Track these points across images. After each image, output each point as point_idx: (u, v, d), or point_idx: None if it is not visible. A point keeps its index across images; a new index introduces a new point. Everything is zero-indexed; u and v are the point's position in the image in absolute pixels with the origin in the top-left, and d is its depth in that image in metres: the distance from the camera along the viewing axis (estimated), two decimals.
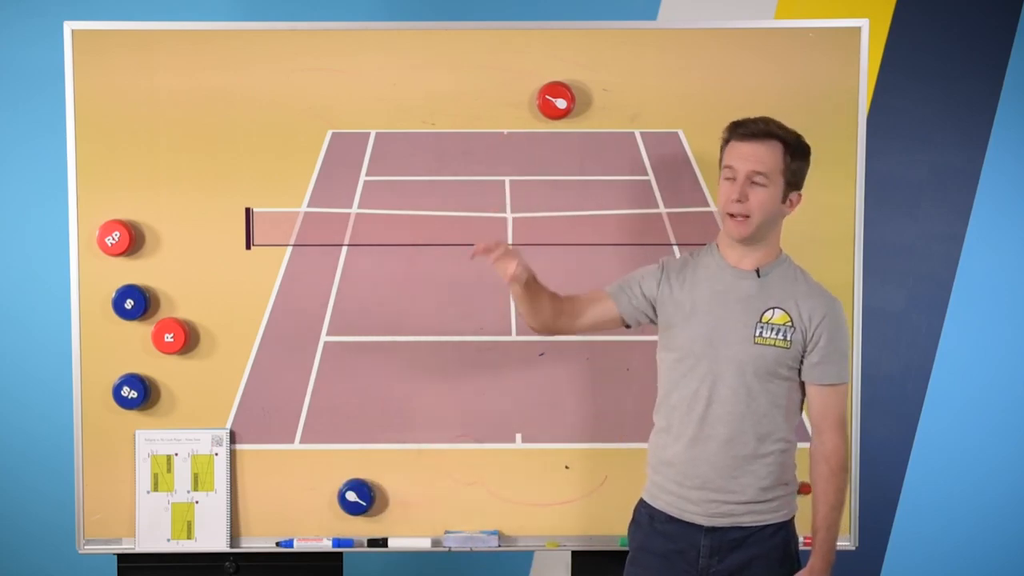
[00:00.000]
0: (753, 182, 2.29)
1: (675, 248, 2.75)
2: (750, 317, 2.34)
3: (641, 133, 2.74)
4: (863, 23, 2.73)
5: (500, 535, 2.79)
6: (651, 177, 2.76)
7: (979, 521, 3.46)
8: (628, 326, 2.47)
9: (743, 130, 2.32)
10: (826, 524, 2.36)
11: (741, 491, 2.35)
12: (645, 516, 2.44)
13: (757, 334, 2.33)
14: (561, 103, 2.70)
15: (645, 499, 2.45)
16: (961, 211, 3.39)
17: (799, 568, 2.39)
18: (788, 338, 2.33)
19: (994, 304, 3.42)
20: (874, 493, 3.17)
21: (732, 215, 2.31)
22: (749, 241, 2.34)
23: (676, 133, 2.74)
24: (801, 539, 2.76)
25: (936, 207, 3.39)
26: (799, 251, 2.72)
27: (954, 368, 3.42)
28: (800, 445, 2.79)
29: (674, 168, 2.74)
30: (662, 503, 2.41)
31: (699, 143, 2.73)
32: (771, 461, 2.36)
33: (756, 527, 2.36)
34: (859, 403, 2.77)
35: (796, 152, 2.33)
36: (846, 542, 2.80)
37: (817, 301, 2.35)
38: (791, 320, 2.33)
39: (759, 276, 2.36)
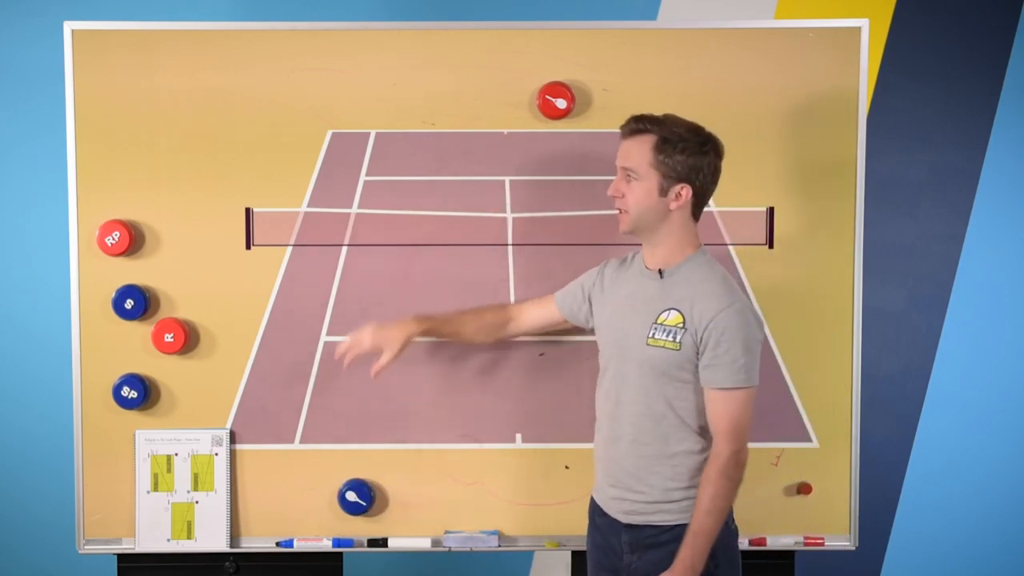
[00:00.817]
0: (626, 178, 2.34)
1: None
2: (648, 318, 2.35)
3: None
4: (863, 23, 2.73)
5: (500, 535, 2.79)
6: None
7: (979, 521, 3.46)
8: (579, 326, 2.58)
9: (621, 130, 2.37)
10: (693, 528, 2.29)
11: (648, 491, 2.37)
12: (590, 508, 2.54)
13: (650, 335, 2.33)
14: (561, 103, 2.70)
15: (592, 492, 2.54)
16: (961, 211, 3.39)
17: (714, 572, 2.32)
18: (678, 340, 2.30)
19: (994, 304, 3.42)
20: (874, 493, 3.18)
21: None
22: (640, 237, 2.38)
23: None
24: (801, 539, 2.77)
25: (936, 207, 3.39)
26: (800, 251, 2.73)
27: (954, 368, 3.42)
28: (791, 445, 2.80)
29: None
30: (597, 497, 2.50)
31: None
32: (678, 463, 2.35)
33: (668, 526, 2.35)
34: (859, 403, 2.77)
35: (673, 145, 2.30)
36: (846, 542, 2.80)
37: (711, 303, 2.29)
38: (684, 322, 2.30)
39: (661, 277, 2.37)
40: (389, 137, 2.75)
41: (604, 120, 2.73)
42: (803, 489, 2.78)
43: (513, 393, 2.77)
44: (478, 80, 2.73)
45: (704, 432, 2.35)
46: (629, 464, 2.39)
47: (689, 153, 2.30)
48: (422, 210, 2.75)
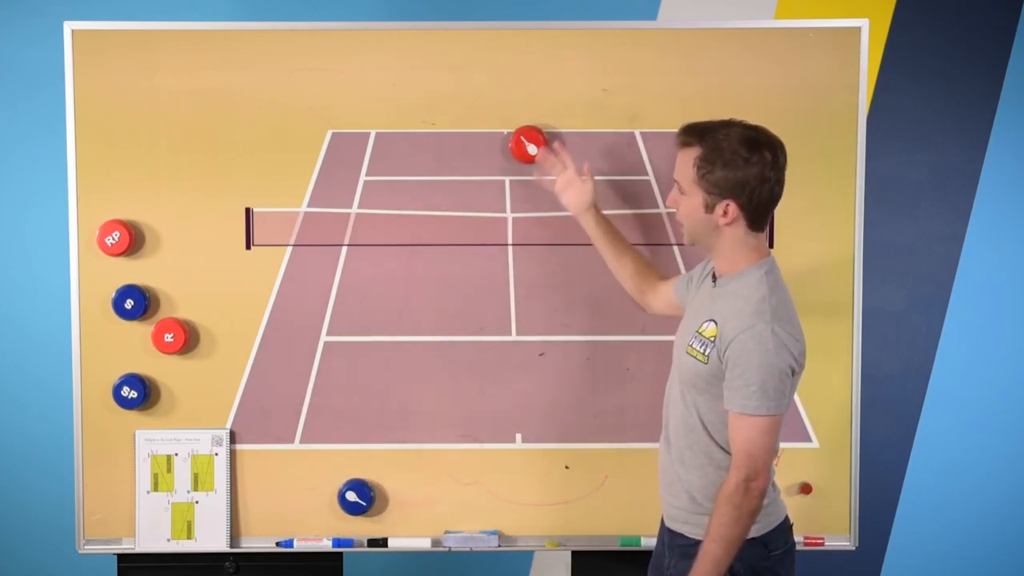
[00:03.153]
0: (679, 190, 2.30)
1: (675, 248, 2.75)
2: (694, 324, 2.31)
3: (641, 133, 2.74)
4: (863, 23, 2.73)
5: (500, 535, 2.79)
6: (651, 177, 2.75)
7: (979, 521, 3.46)
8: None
9: (676, 138, 2.31)
10: (701, 551, 2.22)
11: (680, 498, 2.36)
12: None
13: (689, 343, 2.30)
14: (533, 149, 2.69)
15: None
16: (961, 211, 3.39)
17: None
18: (707, 353, 2.24)
19: (994, 304, 3.42)
20: (874, 493, 3.18)
21: None
22: (704, 248, 2.33)
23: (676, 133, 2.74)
24: (801, 539, 2.77)
25: (936, 207, 3.39)
26: (799, 251, 2.73)
27: (954, 368, 3.42)
28: (791, 446, 2.80)
29: (674, 168, 2.74)
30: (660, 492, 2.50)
31: None
32: (701, 475, 2.31)
33: (694, 539, 2.31)
34: (859, 403, 2.77)
35: (712, 160, 2.20)
36: (846, 542, 2.80)
37: (736, 322, 2.20)
38: (716, 336, 2.24)
39: (714, 286, 2.32)
40: (389, 137, 2.75)
41: (604, 120, 2.73)
42: (803, 489, 2.78)
43: (513, 393, 2.77)
44: (478, 80, 2.73)
45: (727, 448, 2.29)
46: (669, 468, 2.38)
47: (732, 168, 2.19)
48: (422, 210, 2.75)
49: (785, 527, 2.37)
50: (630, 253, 2.63)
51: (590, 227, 2.62)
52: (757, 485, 2.19)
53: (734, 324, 2.21)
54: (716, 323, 2.25)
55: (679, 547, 2.36)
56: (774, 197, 2.25)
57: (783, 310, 2.24)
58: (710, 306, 2.30)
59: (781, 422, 2.23)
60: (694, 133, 2.25)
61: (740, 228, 2.25)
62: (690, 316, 2.38)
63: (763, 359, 2.17)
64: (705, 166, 2.22)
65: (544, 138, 2.69)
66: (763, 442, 2.19)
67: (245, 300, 2.75)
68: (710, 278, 2.37)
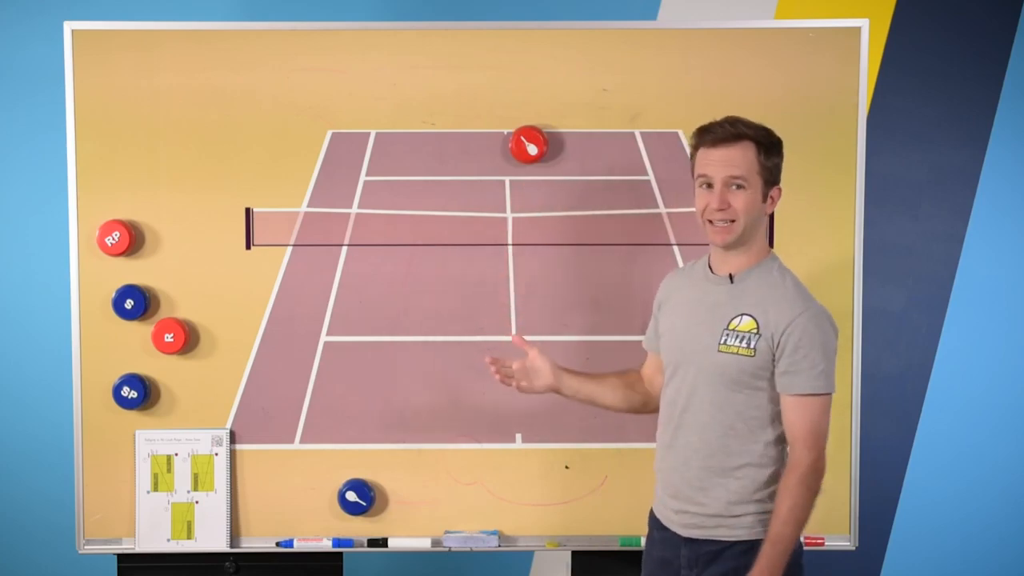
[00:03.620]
0: (733, 187, 2.25)
1: (675, 248, 2.76)
2: (717, 324, 2.27)
3: (641, 133, 2.74)
4: (863, 23, 2.73)
5: (500, 535, 2.79)
6: (651, 177, 2.76)
7: (979, 521, 3.46)
8: None
9: (712, 136, 2.26)
10: (771, 537, 2.20)
11: (710, 504, 2.29)
12: (649, 521, 2.46)
13: (722, 342, 2.26)
14: (533, 149, 2.69)
15: (652, 505, 2.46)
16: (961, 211, 3.39)
17: None
18: (752, 346, 2.23)
19: (994, 304, 3.42)
20: (874, 493, 3.17)
21: (712, 222, 2.26)
22: (734, 246, 2.28)
23: (676, 133, 2.74)
24: (802, 539, 2.77)
25: (936, 207, 3.39)
26: (800, 251, 2.73)
27: (954, 368, 3.42)
28: None
29: (674, 168, 2.74)
30: (656, 510, 2.42)
31: None
32: (742, 475, 2.27)
33: (729, 542, 2.27)
34: (859, 403, 2.77)
35: (770, 149, 2.26)
36: (846, 542, 2.80)
37: (787, 306, 2.22)
38: (758, 327, 2.23)
39: (732, 282, 2.30)
40: (389, 137, 2.75)
41: (604, 120, 2.73)
42: None
43: (513, 393, 2.76)
44: (478, 80, 2.73)
45: (771, 446, 2.27)
46: (692, 475, 2.30)
47: (779, 156, 2.29)
48: (422, 210, 2.75)
49: None
50: (608, 380, 2.54)
51: (571, 389, 2.51)
52: (822, 465, 2.23)
53: (783, 310, 2.22)
54: (752, 316, 2.25)
55: (706, 554, 2.29)
56: None
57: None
58: (734, 302, 2.27)
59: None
60: (743, 125, 2.26)
61: (766, 217, 2.32)
62: (694, 319, 2.33)
63: (825, 339, 2.22)
64: (770, 154, 2.27)
65: (544, 138, 2.69)
66: (827, 421, 2.24)
67: (245, 300, 2.75)
68: (708, 278, 2.33)
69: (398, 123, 2.74)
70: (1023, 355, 3.43)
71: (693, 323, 2.32)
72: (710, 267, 2.35)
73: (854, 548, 2.81)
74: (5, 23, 3.32)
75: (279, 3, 3.33)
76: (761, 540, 2.24)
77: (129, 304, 2.71)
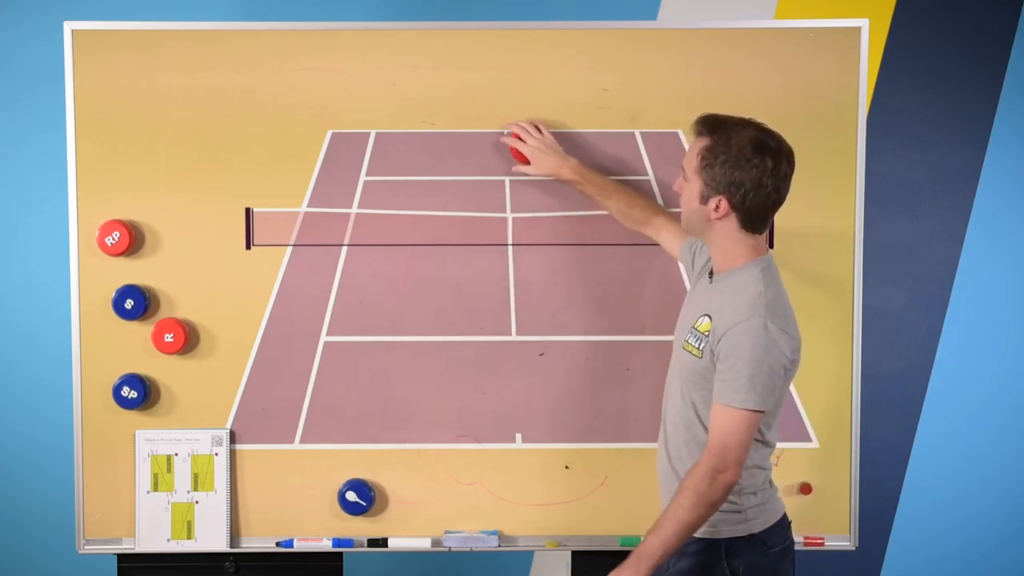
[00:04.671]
0: (684, 175, 2.32)
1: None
2: (690, 320, 2.33)
3: (641, 133, 2.74)
4: (863, 23, 2.73)
5: (500, 535, 2.79)
6: (651, 177, 2.76)
7: (979, 521, 3.46)
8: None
9: (693, 125, 2.31)
10: (654, 526, 2.20)
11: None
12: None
13: (686, 339, 2.31)
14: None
15: None
16: (961, 211, 3.39)
17: None
18: (701, 348, 2.25)
19: (994, 304, 3.42)
20: (874, 493, 3.18)
21: None
22: (694, 235, 2.38)
23: (676, 133, 2.74)
24: (801, 539, 2.77)
25: (936, 207, 3.39)
26: (800, 251, 2.73)
27: (954, 368, 3.42)
28: (791, 446, 2.80)
29: (674, 168, 2.74)
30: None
31: None
32: None
33: (695, 537, 2.27)
34: (859, 403, 2.77)
35: (715, 154, 2.21)
36: (846, 542, 2.80)
37: (732, 314, 2.20)
38: (710, 331, 2.24)
39: (711, 281, 2.33)
40: (389, 137, 2.75)
41: (604, 120, 2.73)
42: (803, 489, 2.78)
43: (513, 393, 2.77)
44: (478, 80, 2.73)
45: None
46: (668, 467, 2.37)
47: (731, 166, 2.20)
48: (422, 210, 2.75)
49: (783, 524, 2.36)
50: (615, 194, 2.65)
51: (575, 174, 2.64)
52: (724, 478, 2.17)
53: (727, 318, 2.21)
54: (711, 318, 2.26)
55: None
56: (770, 203, 2.25)
57: (778, 306, 2.24)
58: (707, 302, 2.30)
59: (760, 419, 2.21)
60: (709, 124, 2.26)
61: (732, 225, 2.26)
62: (687, 311, 2.39)
63: (753, 353, 2.16)
64: (708, 158, 2.23)
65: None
66: (740, 436, 2.17)
67: (245, 300, 2.75)
68: (707, 275, 2.37)
69: (398, 123, 2.74)
70: (1023, 355, 3.43)
71: (682, 315, 2.40)
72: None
73: (854, 548, 2.81)
74: (5, 23, 3.32)
75: (279, 3, 3.33)
76: (720, 539, 2.28)
77: (129, 304, 2.71)
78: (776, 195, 2.24)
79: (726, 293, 2.26)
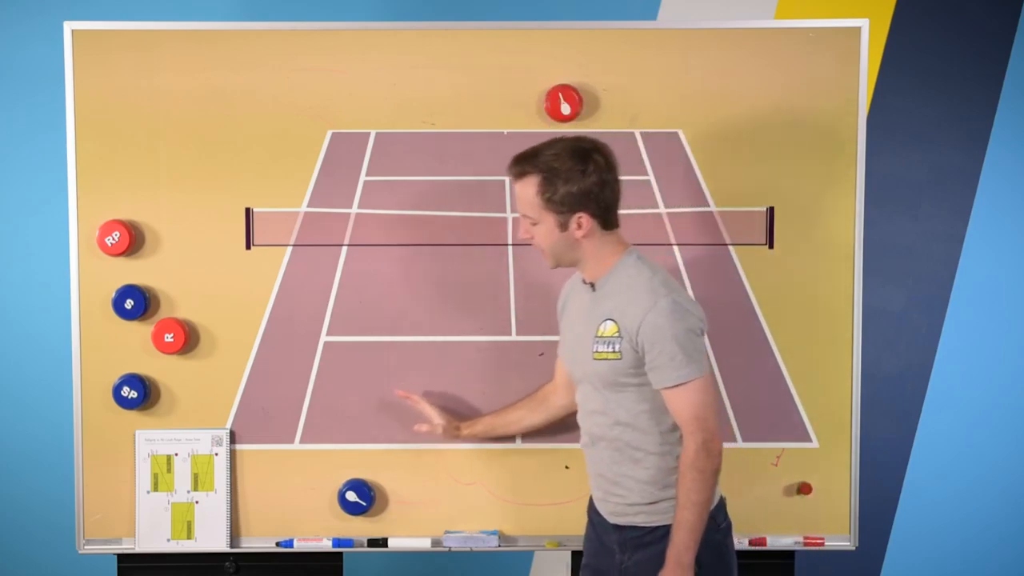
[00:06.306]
0: (528, 222, 2.34)
1: (675, 248, 2.75)
2: (590, 332, 2.36)
3: (641, 133, 2.74)
4: (863, 23, 2.73)
5: (500, 535, 2.79)
6: (651, 177, 2.76)
7: (979, 521, 3.46)
8: None
9: (509, 171, 2.35)
10: (676, 524, 2.28)
11: (627, 493, 2.38)
12: (588, 507, 2.56)
13: (595, 349, 2.34)
14: (566, 108, 2.70)
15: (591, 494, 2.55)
16: (961, 211, 3.39)
17: (698, 573, 2.30)
18: (617, 349, 2.30)
19: (994, 304, 3.42)
20: (874, 493, 3.18)
21: None
22: (565, 266, 2.38)
23: (676, 133, 2.74)
24: (801, 539, 2.77)
25: (936, 207, 3.39)
26: (800, 251, 2.73)
27: (954, 368, 3.42)
28: (791, 445, 2.80)
29: (674, 168, 2.74)
30: (593, 497, 2.52)
31: (699, 143, 2.73)
32: (648, 465, 2.35)
33: (650, 527, 2.36)
34: (859, 403, 2.77)
35: (555, 179, 2.27)
36: (846, 542, 2.80)
37: (637, 306, 2.28)
38: (619, 330, 2.30)
39: (594, 290, 2.38)
40: (389, 137, 2.75)
41: (604, 120, 2.73)
42: (803, 489, 2.78)
43: (513, 393, 2.77)
44: (478, 80, 2.73)
45: (668, 433, 2.34)
46: (604, 468, 2.41)
47: (573, 183, 2.27)
48: (422, 210, 2.75)
49: (722, 503, 2.42)
50: (511, 409, 2.71)
51: (477, 431, 2.72)
52: (715, 445, 2.27)
53: (634, 311, 2.28)
54: (613, 320, 2.31)
55: (633, 539, 2.39)
56: (616, 195, 2.34)
57: (671, 282, 2.34)
58: (598, 310, 2.35)
59: (712, 379, 2.31)
60: (525, 162, 2.32)
61: (596, 232, 2.33)
62: (577, 329, 2.41)
63: (675, 330, 2.25)
64: (547, 190, 2.29)
65: (579, 97, 2.69)
66: (706, 402, 2.27)
67: (245, 300, 2.75)
68: (586, 288, 2.41)
69: (398, 123, 2.74)
70: (1023, 355, 3.43)
71: (577, 333, 2.42)
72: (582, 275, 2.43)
73: (854, 548, 2.81)
74: (5, 23, 3.32)
75: (279, 3, 3.33)
76: None
77: (129, 304, 2.71)
78: (618, 184, 2.34)
79: (618, 292, 2.33)
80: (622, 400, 2.34)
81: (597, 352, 2.33)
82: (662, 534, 2.33)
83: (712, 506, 2.32)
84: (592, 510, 2.52)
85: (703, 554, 2.31)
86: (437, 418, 2.69)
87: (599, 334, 2.33)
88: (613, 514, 2.42)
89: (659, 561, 2.30)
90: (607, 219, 2.33)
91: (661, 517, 2.35)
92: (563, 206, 2.29)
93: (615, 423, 2.36)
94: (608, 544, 2.45)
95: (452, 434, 2.69)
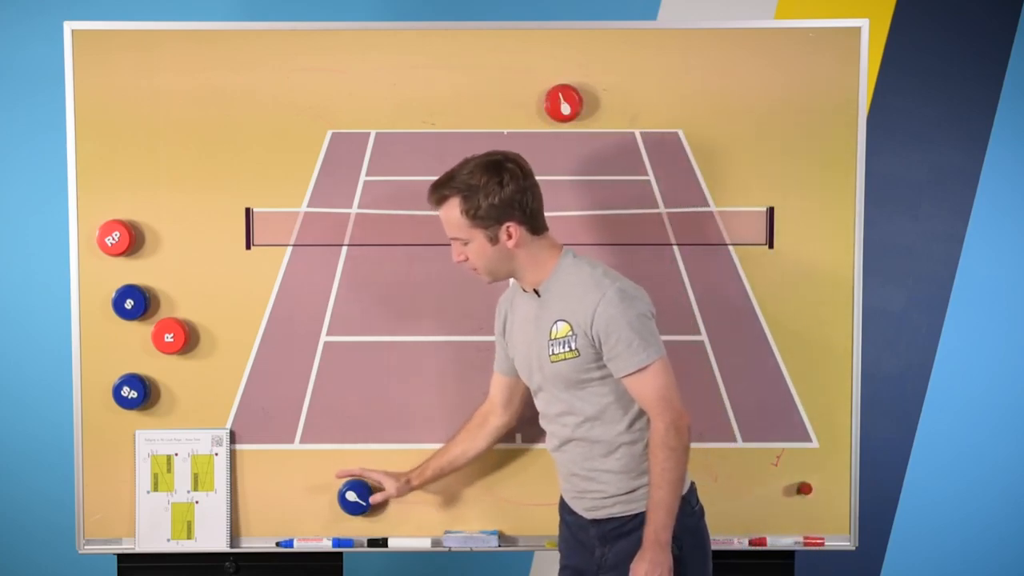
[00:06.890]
0: (459, 243, 2.39)
1: (675, 248, 2.75)
2: (542, 337, 2.39)
3: (641, 133, 2.74)
4: (863, 23, 2.73)
5: (500, 535, 2.79)
6: (651, 177, 2.76)
7: (979, 521, 3.46)
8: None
9: (429, 200, 2.40)
10: (651, 504, 2.32)
11: (603, 487, 2.41)
12: (560, 508, 2.58)
13: (551, 352, 2.38)
14: (566, 108, 2.70)
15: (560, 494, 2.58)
16: (961, 211, 3.40)
17: (679, 555, 2.34)
18: (573, 347, 2.35)
19: (994, 304, 3.42)
20: (874, 493, 3.18)
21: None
22: (503, 279, 2.43)
23: (676, 133, 2.74)
24: (801, 539, 2.77)
25: (936, 207, 3.39)
26: (800, 251, 2.73)
27: (954, 368, 3.42)
28: (791, 446, 2.80)
29: (674, 168, 2.74)
30: (564, 497, 2.54)
31: (699, 143, 2.73)
32: (620, 455, 2.39)
33: (629, 516, 2.40)
34: (859, 403, 2.77)
35: (473, 200, 2.33)
36: (846, 542, 2.80)
37: (586, 301, 2.33)
38: (572, 328, 2.34)
39: (539, 295, 2.41)
40: (389, 137, 2.75)
41: (604, 120, 2.73)
42: (803, 489, 2.78)
43: None
44: (478, 80, 2.73)
45: (636, 421, 2.38)
46: (576, 467, 2.44)
47: (493, 196, 2.32)
48: (422, 210, 2.75)
49: (694, 488, 2.46)
50: (452, 445, 2.71)
51: (427, 477, 2.71)
52: (683, 423, 2.32)
53: (583, 306, 2.33)
54: (565, 320, 2.35)
55: (612, 530, 2.41)
56: (538, 199, 2.38)
57: (612, 272, 2.39)
58: (547, 314, 2.39)
59: (667, 361, 2.34)
60: (442, 187, 2.37)
61: (527, 239, 2.37)
62: (528, 338, 2.44)
63: (626, 316, 2.30)
64: (470, 208, 2.34)
65: (579, 97, 2.69)
66: (668, 383, 2.33)
67: (245, 300, 2.75)
68: (530, 297, 2.43)
69: (398, 123, 2.74)
70: (1023, 355, 3.43)
71: (529, 340, 2.45)
72: (522, 285, 2.46)
73: (854, 548, 2.81)
74: (5, 23, 3.32)
75: (279, 3, 3.33)
76: None
77: (129, 304, 2.71)
78: (537, 189, 2.38)
79: (565, 292, 2.37)
80: (587, 396, 2.38)
81: (554, 354, 2.37)
82: (641, 521, 2.36)
83: (684, 489, 2.36)
84: (564, 510, 2.54)
85: (682, 538, 2.35)
86: (388, 484, 2.70)
87: (553, 336, 2.37)
88: (590, 509, 2.44)
89: (639, 547, 2.33)
90: (535, 224, 2.38)
91: (638, 505, 2.39)
92: (489, 219, 2.34)
93: (583, 420, 2.39)
94: (585, 541, 2.48)
95: (404, 490, 2.71)
